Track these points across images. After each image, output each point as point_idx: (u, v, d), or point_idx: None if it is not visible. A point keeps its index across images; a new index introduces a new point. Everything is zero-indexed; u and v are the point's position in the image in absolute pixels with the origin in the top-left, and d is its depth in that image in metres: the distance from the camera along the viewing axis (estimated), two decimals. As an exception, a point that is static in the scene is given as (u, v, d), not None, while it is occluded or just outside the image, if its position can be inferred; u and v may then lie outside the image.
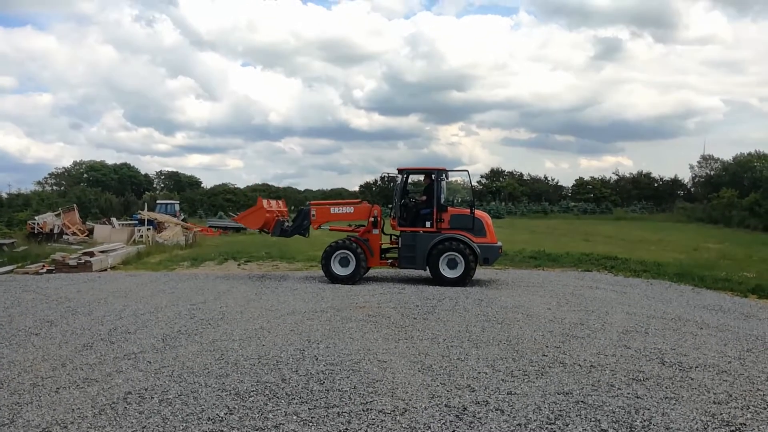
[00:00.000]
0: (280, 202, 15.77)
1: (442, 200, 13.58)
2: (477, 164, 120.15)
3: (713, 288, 13.37)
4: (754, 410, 5.39)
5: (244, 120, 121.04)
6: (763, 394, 5.85)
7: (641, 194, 66.91)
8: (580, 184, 71.37)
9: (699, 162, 66.38)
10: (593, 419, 5.09)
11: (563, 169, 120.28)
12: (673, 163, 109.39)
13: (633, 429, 4.89)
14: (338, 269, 13.50)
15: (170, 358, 7.03)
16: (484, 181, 73.21)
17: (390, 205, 14.71)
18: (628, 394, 5.78)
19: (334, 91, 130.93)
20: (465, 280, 13.06)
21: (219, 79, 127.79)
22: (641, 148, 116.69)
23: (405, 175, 14.14)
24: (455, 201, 16.04)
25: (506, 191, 69.96)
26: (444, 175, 13.85)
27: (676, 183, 68.64)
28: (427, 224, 13.48)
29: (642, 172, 70.35)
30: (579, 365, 6.78)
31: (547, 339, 8.06)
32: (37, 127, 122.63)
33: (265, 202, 14.59)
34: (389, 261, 14.09)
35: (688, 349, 7.58)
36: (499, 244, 13.75)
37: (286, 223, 14.31)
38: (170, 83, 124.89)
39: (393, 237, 14.29)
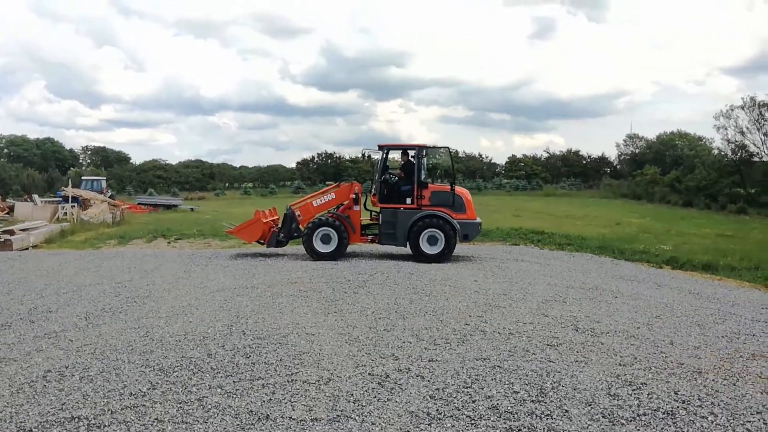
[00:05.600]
0: (272, 210, 15.49)
1: (423, 177, 13.65)
2: (415, 141, 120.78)
3: (631, 260, 14.09)
4: (656, 371, 5.80)
5: (176, 93, 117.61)
6: (666, 356, 6.28)
7: (570, 171, 69.07)
8: (513, 161, 73.08)
9: (625, 140, 69.32)
10: (507, 382, 5.37)
11: (498, 146, 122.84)
12: (602, 141, 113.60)
13: (543, 390, 5.19)
14: (320, 246, 13.38)
15: (93, 336, 6.91)
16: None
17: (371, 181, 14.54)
18: (542, 358, 6.11)
19: (271, 65, 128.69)
20: (445, 257, 13.21)
21: (148, 50, 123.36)
22: (572, 127, 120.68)
23: (385, 152, 14.06)
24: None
25: (442, 168, 70.79)
26: (424, 151, 13.89)
27: (603, 160, 71.06)
28: (408, 201, 13.52)
29: (572, 149, 72.59)
30: (498, 333, 7.08)
31: (470, 309, 8.36)
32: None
33: (261, 213, 14.42)
34: (370, 237, 14.07)
35: (602, 316, 8.03)
36: (479, 220, 13.84)
37: (281, 235, 14.11)
38: (96, 54, 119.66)
39: (373, 213, 14.30)
